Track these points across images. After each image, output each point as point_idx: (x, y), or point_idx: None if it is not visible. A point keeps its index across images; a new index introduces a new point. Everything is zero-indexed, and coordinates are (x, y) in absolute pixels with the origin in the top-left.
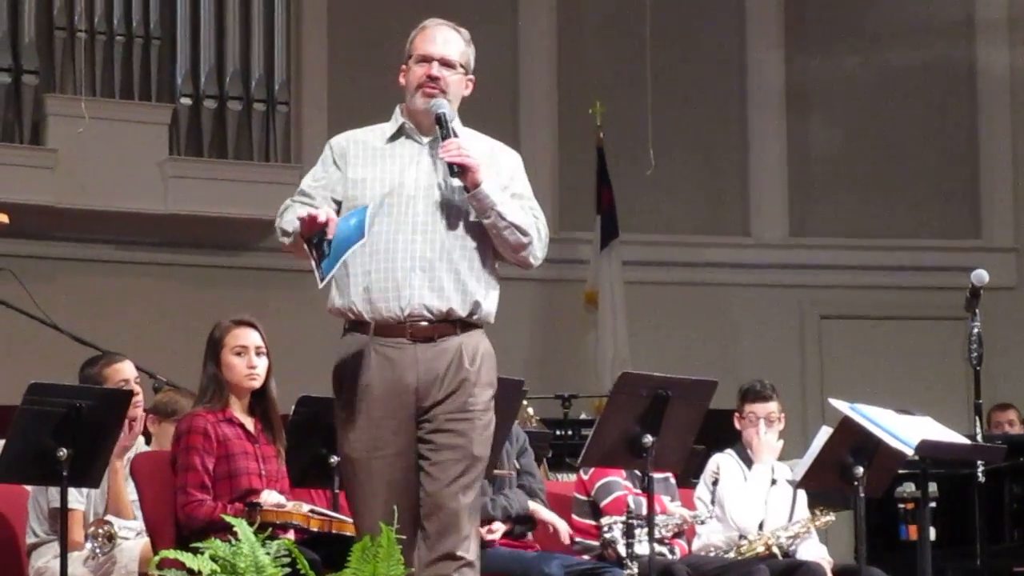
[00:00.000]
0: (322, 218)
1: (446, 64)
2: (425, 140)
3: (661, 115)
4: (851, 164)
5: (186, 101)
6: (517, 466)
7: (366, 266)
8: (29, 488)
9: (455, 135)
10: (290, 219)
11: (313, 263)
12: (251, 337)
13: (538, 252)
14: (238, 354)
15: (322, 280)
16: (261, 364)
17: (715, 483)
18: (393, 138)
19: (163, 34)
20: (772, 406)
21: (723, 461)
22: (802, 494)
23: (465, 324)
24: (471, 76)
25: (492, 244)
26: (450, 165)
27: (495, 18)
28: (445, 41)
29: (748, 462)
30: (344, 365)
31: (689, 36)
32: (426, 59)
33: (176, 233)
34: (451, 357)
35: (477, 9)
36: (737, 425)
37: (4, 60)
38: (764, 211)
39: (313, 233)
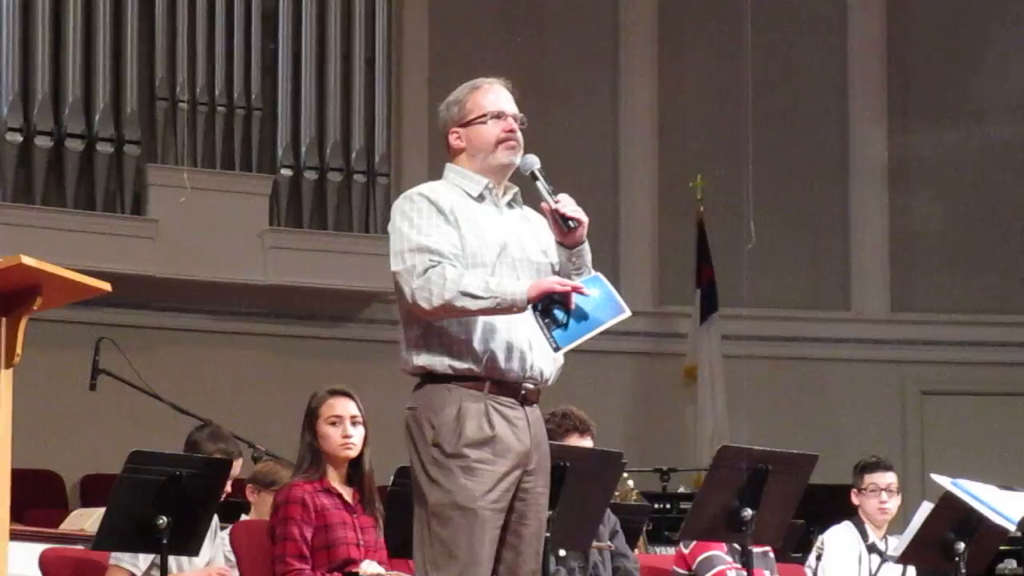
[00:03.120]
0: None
1: (517, 121)
2: (502, 201)
3: (762, 189)
4: (953, 238)
5: (287, 172)
6: (612, 546)
7: (490, 325)
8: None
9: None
10: (476, 283)
11: (544, 330)
12: (347, 407)
13: None
14: (333, 424)
15: (558, 349)
16: (357, 434)
17: (819, 557)
18: (478, 198)
19: (264, 105)
20: (892, 476)
21: (840, 533)
22: (911, 571)
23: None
24: None
25: None
26: (566, 220)
27: (596, 92)
28: (510, 98)
29: (865, 536)
30: (460, 413)
31: (791, 110)
32: (502, 115)
33: (276, 304)
34: (541, 425)
35: (578, 84)
36: (854, 500)
37: (106, 130)
38: (865, 286)
39: (541, 299)
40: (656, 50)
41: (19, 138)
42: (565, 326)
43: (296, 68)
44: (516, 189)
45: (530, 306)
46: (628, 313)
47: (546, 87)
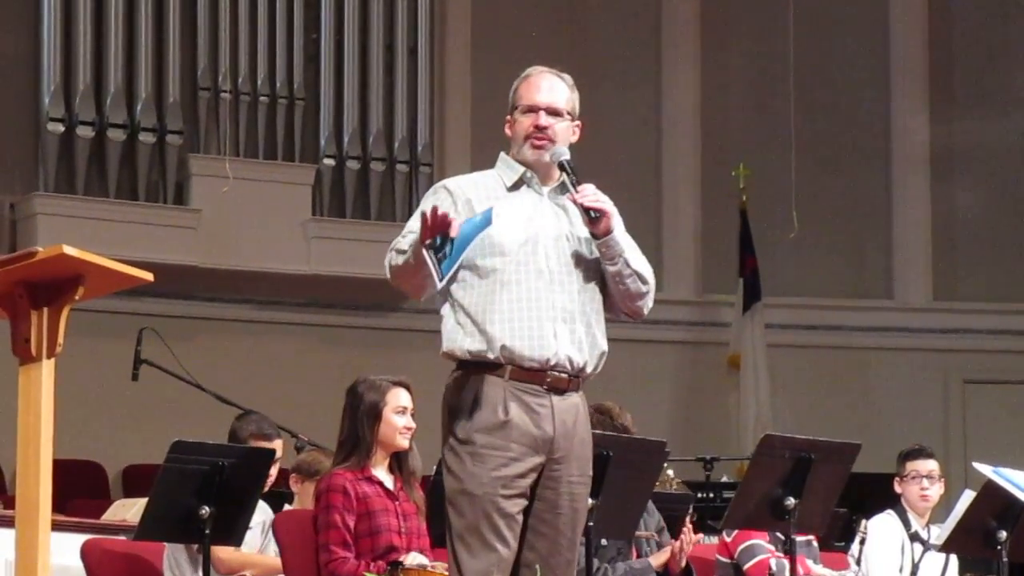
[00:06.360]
0: (451, 217)
1: (553, 112)
2: (545, 190)
3: (805, 178)
4: (996, 227)
5: (329, 162)
6: (655, 535)
7: (508, 312)
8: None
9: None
10: (409, 241)
11: (432, 265)
12: (408, 398)
13: (651, 301)
14: (399, 413)
15: (441, 280)
16: (412, 424)
17: (862, 542)
18: (514, 187)
19: (307, 95)
20: (933, 464)
21: (882, 522)
22: (953, 559)
23: (582, 381)
24: (578, 122)
25: (605, 298)
26: (587, 210)
27: (639, 81)
28: (551, 89)
29: (908, 525)
30: (476, 399)
31: (833, 99)
32: (532, 109)
33: (319, 293)
34: (576, 413)
35: (621, 72)
36: (897, 488)
37: (149, 120)
38: (908, 274)
39: (434, 237)
40: (699, 39)
41: (61, 128)
42: (449, 257)
43: (339, 57)
44: (564, 177)
45: (424, 247)
46: (491, 224)
47: (589, 76)
